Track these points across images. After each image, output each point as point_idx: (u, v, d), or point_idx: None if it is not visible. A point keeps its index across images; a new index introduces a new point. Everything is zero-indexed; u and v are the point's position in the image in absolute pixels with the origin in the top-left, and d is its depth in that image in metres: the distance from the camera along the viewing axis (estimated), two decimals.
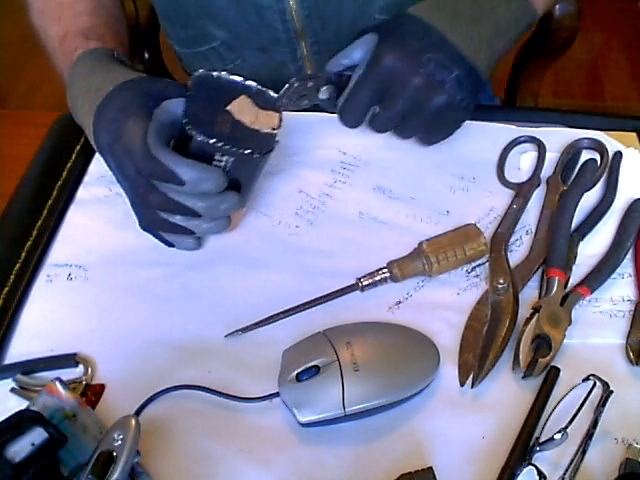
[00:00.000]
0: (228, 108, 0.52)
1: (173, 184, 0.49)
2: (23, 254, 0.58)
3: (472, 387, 0.48)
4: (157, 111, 0.51)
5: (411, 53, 0.55)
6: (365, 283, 0.54)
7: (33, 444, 0.41)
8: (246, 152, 0.51)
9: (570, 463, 0.43)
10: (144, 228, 0.55)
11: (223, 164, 0.51)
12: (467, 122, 0.62)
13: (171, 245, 0.56)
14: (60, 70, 0.64)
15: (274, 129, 0.53)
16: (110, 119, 0.52)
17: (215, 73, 0.53)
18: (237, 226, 0.59)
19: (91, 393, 0.49)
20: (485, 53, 0.57)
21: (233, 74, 0.54)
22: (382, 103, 0.57)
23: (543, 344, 0.49)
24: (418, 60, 0.55)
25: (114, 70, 0.57)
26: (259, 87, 0.54)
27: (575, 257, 0.55)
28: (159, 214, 0.53)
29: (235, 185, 0.53)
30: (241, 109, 0.53)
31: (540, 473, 0.43)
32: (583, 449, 0.44)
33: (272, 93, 0.54)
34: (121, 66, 0.59)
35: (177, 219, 0.53)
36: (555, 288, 0.52)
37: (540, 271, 0.55)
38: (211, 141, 0.49)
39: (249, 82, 0.54)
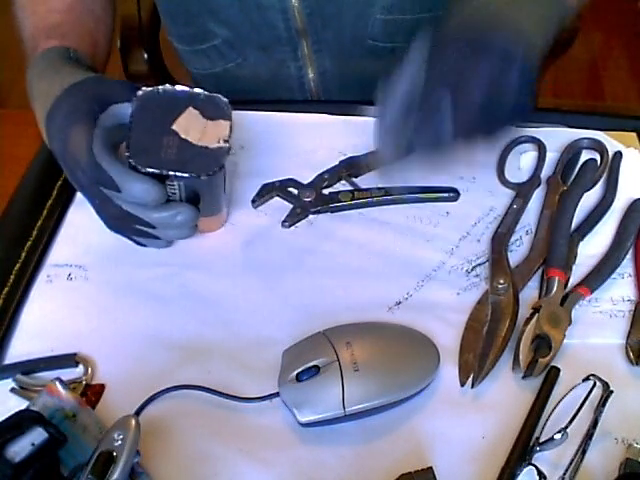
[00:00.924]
0: (174, 127, 0.50)
1: (113, 190, 0.49)
2: (23, 254, 0.58)
3: (472, 387, 0.48)
4: (102, 116, 0.50)
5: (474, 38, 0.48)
6: None
7: (33, 444, 0.41)
8: (192, 175, 0.49)
9: (570, 463, 0.43)
10: (111, 229, 0.55)
11: (176, 186, 0.50)
12: None
13: (142, 245, 0.56)
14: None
15: (225, 140, 0.50)
16: (58, 127, 0.51)
17: (160, 88, 0.51)
18: (218, 229, 0.59)
19: (91, 393, 0.49)
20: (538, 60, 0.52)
21: (180, 84, 0.52)
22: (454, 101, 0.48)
23: (543, 344, 0.49)
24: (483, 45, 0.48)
25: (62, 72, 0.55)
26: (207, 94, 0.52)
27: (575, 257, 0.55)
28: (121, 220, 0.52)
29: (196, 198, 0.52)
30: (187, 126, 0.50)
31: (540, 473, 0.43)
32: (583, 449, 0.44)
33: (222, 98, 0.52)
34: (72, 67, 0.57)
35: (138, 226, 0.52)
36: (555, 288, 0.52)
37: (540, 271, 0.55)
38: (157, 172, 0.48)
39: (196, 90, 0.52)
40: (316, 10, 0.69)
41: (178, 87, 0.51)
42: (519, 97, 0.48)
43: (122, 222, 0.52)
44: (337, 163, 0.63)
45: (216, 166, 0.50)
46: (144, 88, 0.51)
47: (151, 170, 0.48)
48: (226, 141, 0.50)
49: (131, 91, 0.51)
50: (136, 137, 0.49)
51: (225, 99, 0.52)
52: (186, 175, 0.49)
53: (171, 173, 0.48)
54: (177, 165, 0.49)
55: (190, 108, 0.51)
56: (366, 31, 0.72)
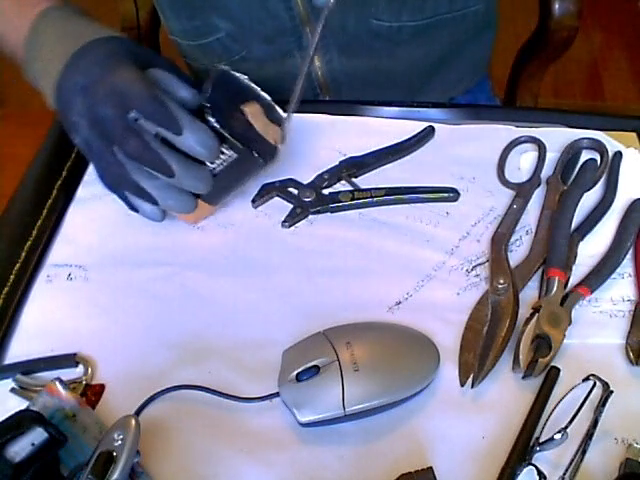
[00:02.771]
0: (243, 108, 0.53)
1: (170, 131, 0.49)
2: (23, 254, 0.58)
3: (472, 387, 0.48)
4: (152, 71, 0.50)
5: None
6: None
7: (33, 444, 0.41)
8: (254, 154, 0.52)
9: (570, 463, 0.43)
10: (108, 186, 0.54)
11: (225, 157, 0.52)
12: (467, 123, 0.62)
13: (135, 210, 0.56)
14: (10, 33, 0.58)
15: (277, 143, 0.54)
16: (93, 62, 0.50)
17: (236, 74, 0.54)
18: (199, 222, 0.59)
19: (91, 393, 0.49)
20: None
21: (252, 81, 0.55)
22: None
23: (543, 344, 0.49)
24: None
25: (95, 23, 0.55)
26: (271, 101, 0.55)
27: (575, 257, 0.55)
28: (128, 172, 0.51)
29: (217, 180, 0.54)
30: (254, 114, 0.54)
31: (540, 473, 0.43)
32: (583, 449, 0.44)
33: (280, 110, 0.55)
34: (101, 24, 0.56)
35: (145, 183, 0.52)
36: (555, 288, 0.52)
37: (540, 271, 0.55)
38: (225, 132, 0.50)
39: (264, 93, 0.55)
40: None
41: (251, 82, 0.55)
42: None
43: (126, 176, 0.51)
44: (337, 163, 0.63)
45: (271, 157, 0.54)
46: (224, 66, 0.54)
47: (223, 130, 0.51)
48: (279, 145, 0.54)
49: (172, 65, 0.52)
50: (212, 97, 0.52)
51: (283, 113, 0.56)
52: (248, 150, 0.52)
53: (237, 142, 0.52)
54: (242, 138, 0.52)
55: (256, 102, 0.54)
56: (370, 11, 0.70)
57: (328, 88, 0.79)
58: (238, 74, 0.54)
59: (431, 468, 0.43)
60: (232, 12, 0.72)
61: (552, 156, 0.63)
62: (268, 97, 0.55)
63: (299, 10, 0.70)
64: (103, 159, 0.52)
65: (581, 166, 0.61)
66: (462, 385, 0.48)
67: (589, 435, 0.44)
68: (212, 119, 0.51)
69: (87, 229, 0.60)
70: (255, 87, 0.55)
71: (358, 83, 0.78)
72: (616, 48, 2.05)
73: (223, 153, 0.52)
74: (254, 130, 0.53)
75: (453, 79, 0.85)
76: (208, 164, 0.53)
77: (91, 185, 0.63)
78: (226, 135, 0.51)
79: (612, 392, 0.46)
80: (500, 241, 0.56)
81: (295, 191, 0.61)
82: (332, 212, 0.60)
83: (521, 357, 0.49)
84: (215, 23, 0.74)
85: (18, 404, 0.47)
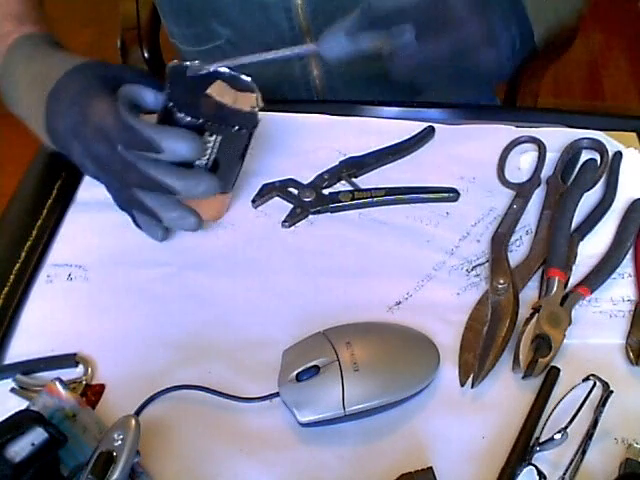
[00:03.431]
0: (208, 92, 0.53)
1: (152, 152, 0.49)
2: (23, 254, 0.58)
3: (472, 387, 0.48)
4: (121, 90, 0.51)
5: None
6: None
7: (33, 444, 0.41)
8: (235, 128, 0.52)
9: (570, 463, 0.43)
10: (120, 207, 0.55)
11: (211, 144, 0.52)
12: (467, 123, 0.62)
13: (140, 228, 0.57)
14: None
15: (254, 107, 0.53)
16: (69, 103, 0.51)
17: (188, 63, 0.53)
18: (222, 216, 0.59)
19: (91, 393, 0.49)
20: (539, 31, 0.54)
21: (204, 64, 0.54)
22: None
23: (543, 344, 0.49)
24: None
25: (57, 55, 0.55)
26: (231, 72, 0.54)
27: (575, 257, 0.55)
28: (136, 193, 0.52)
29: (217, 169, 0.54)
30: (220, 92, 0.53)
31: (540, 473, 0.43)
32: (583, 449, 0.44)
33: (245, 77, 0.54)
34: (64, 51, 0.57)
35: (152, 203, 0.52)
36: (555, 288, 0.52)
37: (540, 271, 0.55)
38: (200, 121, 0.50)
39: (222, 69, 0.54)
40: (320, 6, 0.69)
41: (205, 65, 0.54)
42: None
43: (135, 197, 0.52)
44: (337, 163, 0.63)
45: (252, 124, 0.53)
46: (174, 61, 0.53)
47: (197, 120, 0.50)
48: (255, 108, 0.53)
49: (138, 74, 0.52)
50: (175, 94, 0.51)
51: (248, 77, 0.54)
52: (229, 127, 0.52)
53: (215, 125, 0.51)
54: (218, 119, 0.51)
55: (219, 80, 0.54)
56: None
57: (326, 95, 0.79)
58: (189, 63, 0.53)
59: (431, 468, 0.43)
60: (233, 19, 0.72)
61: (552, 156, 0.63)
62: (227, 70, 0.54)
63: (299, 20, 0.70)
64: (112, 187, 0.55)
65: (581, 166, 0.61)
66: (462, 385, 0.48)
67: (589, 435, 0.44)
68: (181, 114, 0.51)
69: (87, 229, 0.60)
70: (209, 67, 0.54)
71: (356, 89, 0.78)
72: (616, 48, 2.05)
73: (208, 142, 0.52)
74: (226, 107, 0.52)
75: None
76: (202, 159, 0.53)
77: (91, 186, 0.63)
78: (201, 123, 0.51)
79: (612, 392, 0.46)
80: (500, 241, 0.56)
81: (295, 191, 0.61)
82: (332, 212, 0.60)
83: (521, 357, 0.49)
84: (215, 30, 0.74)
85: (18, 404, 0.47)
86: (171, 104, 0.51)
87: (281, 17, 0.70)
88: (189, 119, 0.50)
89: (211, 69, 0.53)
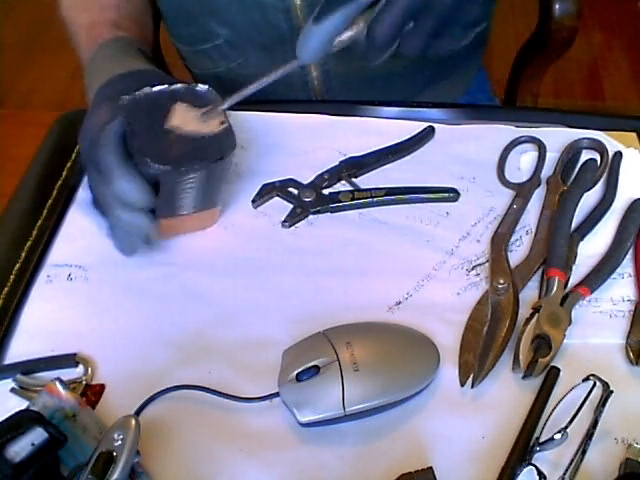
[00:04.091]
0: (168, 127, 0.50)
1: (107, 184, 0.49)
2: (23, 254, 0.58)
3: (472, 387, 0.48)
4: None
5: None
6: None
7: (33, 444, 0.41)
8: (215, 160, 0.49)
9: (570, 463, 0.43)
10: (97, 209, 0.55)
11: (193, 182, 0.50)
12: (467, 123, 0.62)
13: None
14: (84, 59, 0.63)
15: (224, 123, 0.51)
16: (94, 103, 0.53)
17: (139, 93, 0.50)
18: (212, 225, 0.59)
19: (91, 393, 0.49)
20: None
21: (156, 85, 0.51)
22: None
23: (543, 344, 0.49)
24: None
25: (133, 58, 0.57)
26: (185, 86, 0.51)
27: (575, 257, 0.55)
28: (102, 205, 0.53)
29: (204, 193, 0.53)
30: (182, 121, 0.50)
31: (540, 473, 0.43)
32: (583, 449, 0.44)
33: (202, 86, 0.52)
34: (142, 57, 0.59)
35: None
36: (555, 288, 0.52)
37: (540, 271, 0.55)
38: (182, 169, 0.48)
39: (174, 86, 0.51)
40: None
41: (155, 88, 0.51)
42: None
43: (103, 207, 0.53)
44: (337, 163, 0.63)
45: (230, 145, 0.50)
46: (125, 97, 0.50)
47: (169, 168, 0.48)
48: (225, 123, 0.51)
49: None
50: (140, 143, 0.49)
51: (205, 85, 0.52)
52: (211, 162, 0.49)
53: (196, 166, 0.49)
54: (192, 156, 0.49)
55: (178, 103, 0.51)
56: None
57: (324, 96, 0.79)
58: (139, 93, 0.50)
59: (431, 468, 0.43)
60: (231, 20, 0.72)
61: (552, 156, 0.63)
62: (180, 85, 0.51)
63: (299, 22, 0.70)
64: (89, 184, 0.54)
65: (581, 166, 0.61)
66: (462, 385, 0.48)
67: (589, 435, 0.44)
68: (156, 166, 0.48)
69: (87, 229, 0.59)
70: (161, 89, 0.50)
71: (354, 90, 0.78)
72: (616, 48, 2.05)
73: (189, 180, 0.50)
74: (196, 139, 0.49)
75: (447, 86, 0.85)
76: (187, 196, 0.52)
77: None
78: (185, 171, 0.48)
79: (612, 392, 0.46)
80: (500, 241, 0.56)
81: (295, 191, 0.61)
82: (332, 212, 0.60)
83: (521, 357, 0.49)
84: (213, 30, 0.74)
85: (18, 404, 0.47)
86: (146, 159, 0.48)
87: (280, 17, 0.70)
88: (161, 169, 0.48)
89: (165, 89, 0.50)
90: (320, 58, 0.54)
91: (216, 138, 0.50)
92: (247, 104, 0.67)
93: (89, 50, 0.62)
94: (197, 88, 0.52)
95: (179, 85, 0.51)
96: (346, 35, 0.51)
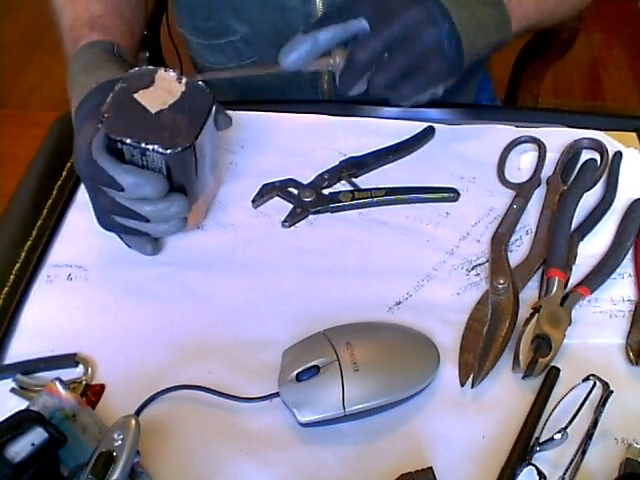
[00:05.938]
0: (138, 98, 0.49)
1: (113, 189, 0.49)
2: (23, 254, 0.58)
3: (472, 387, 0.48)
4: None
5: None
6: None
7: (33, 444, 0.41)
8: (209, 112, 0.50)
9: (570, 463, 0.43)
10: (104, 227, 0.55)
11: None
12: (467, 123, 0.62)
13: (129, 246, 0.56)
14: (67, 59, 0.63)
15: (180, 80, 0.50)
16: (79, 119, 0.53)
17: (107, 100, 0.49)
18: (199, 224, 0.59)
19: (91, 393, 0.49)
20: (468, 39, 0.55)
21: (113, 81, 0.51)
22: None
23: (543, 344, 0.49)
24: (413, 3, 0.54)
25: (104, 68, 0.57)
26: (133, 71, 0.51)
27: (575, 257, 0.55)
28: (113, 217, 0.52)
29: (181, 179, 0.52)
30: (154, 98, 0.50)
31: (540, 473, 0.43)
32: (583, 449, 0.44)
33: (149, 68, 0.51)
34: (114, 63, 0.58)
35: (130, 222, 0.52)
36: (555, 288, 0.52)
37: (540, 271, 0.55)
38: (142, 144, 0.48)
39: (125, 74, 0.51)
40: None
41: (116, 87, 0.50)
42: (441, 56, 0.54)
43: (114, 220, 0.52)
44: (337, 163, 0.63)
45: (205, 92, 0.50)
46: (102, 108, 0.49)
47: (139, 144, 0.47)
48: (180, 80, 0.50)
49: None
50: (139, 139, 0.48)
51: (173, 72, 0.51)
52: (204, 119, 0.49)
53: (152, 146, 0.48)
54: (154, 135, 0.48)
55: (141, 91, 0.50)
56: None
57: (332, 97, 0.79)
58: (106, 101, 0.49)
59: (431, 468, 0.43)
60: (251, 18, 0.72)
61: (552, 156, 0.63)
62: (127, 73, 0.51)
63: None
64: (93, 207, 0.54)
65: (581, 166, 0.61)
66: (462, 385, 0.48)
67: (589, 435, 0.44)
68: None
69: (87, 229, 0.59)
70: (118, 87, 0.50)
71: (360, 95, 0.78)
72: (616, 48, 2.05)
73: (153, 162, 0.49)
74: (179, 105, 0.49)
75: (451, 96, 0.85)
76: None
77: None
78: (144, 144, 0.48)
79: (612, 392, 0.46)
80: (500, 241, 0.56)
81: (295, 191, 0.61)
82: (332, 212, 0.60)
83: (521, 357, 0.49)
84: (231, 25, 0.74)
85: (18, 404, 0.47)
86: (124, 141, 0.48)
87: (300, 21, 0.70)
88: (131, 142, 0.47)
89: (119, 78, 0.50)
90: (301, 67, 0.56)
91: (191, 95, 0.50)
92: (247, 104, 0.67)
93: (69, 53, 0.62)
94: (142, 69, 0.51)
95: (126, 74, 0.51)
96: (324, 61, 0.57)
